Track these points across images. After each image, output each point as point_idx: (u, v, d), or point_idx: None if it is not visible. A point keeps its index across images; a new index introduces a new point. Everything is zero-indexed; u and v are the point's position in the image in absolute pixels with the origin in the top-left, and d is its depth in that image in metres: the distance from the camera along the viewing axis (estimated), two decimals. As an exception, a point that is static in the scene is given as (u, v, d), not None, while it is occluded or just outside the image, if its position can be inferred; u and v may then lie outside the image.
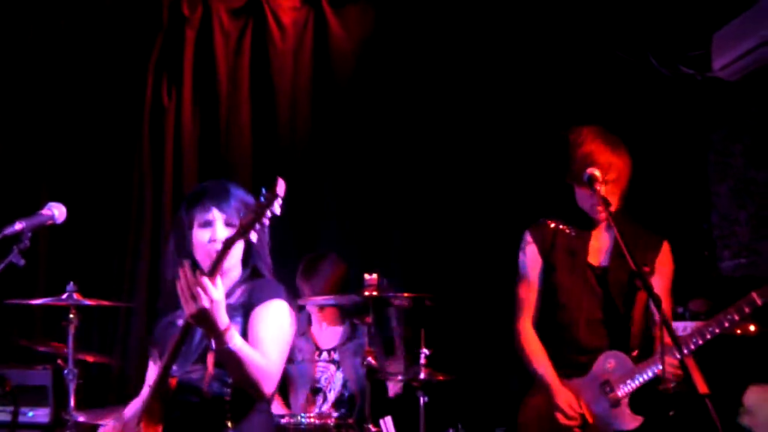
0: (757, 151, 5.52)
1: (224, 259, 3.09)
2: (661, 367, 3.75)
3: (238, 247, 3.42)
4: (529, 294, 4.38)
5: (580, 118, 5.79)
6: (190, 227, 3.48)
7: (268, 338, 3.32)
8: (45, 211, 3.46)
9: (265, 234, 3.57)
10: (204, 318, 3.03)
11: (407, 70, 6.36)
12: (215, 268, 3.05)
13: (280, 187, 3.03)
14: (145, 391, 3.60)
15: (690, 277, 5.32)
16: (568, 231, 4.30)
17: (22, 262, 3.30)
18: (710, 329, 3.81)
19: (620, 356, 4.05)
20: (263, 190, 3.03)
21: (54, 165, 6.69)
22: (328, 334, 5.53)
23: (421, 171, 6.25)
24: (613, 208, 4.03)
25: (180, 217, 3.54)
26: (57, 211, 3.47)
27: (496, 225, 5.91)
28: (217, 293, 3.02)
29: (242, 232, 3.05)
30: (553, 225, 4.36)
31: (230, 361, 3.15)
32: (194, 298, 3.00)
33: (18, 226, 3.31)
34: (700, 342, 3.80)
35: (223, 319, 3.07)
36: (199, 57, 6.68)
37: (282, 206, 3.08)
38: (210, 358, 3.19)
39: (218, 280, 3.04)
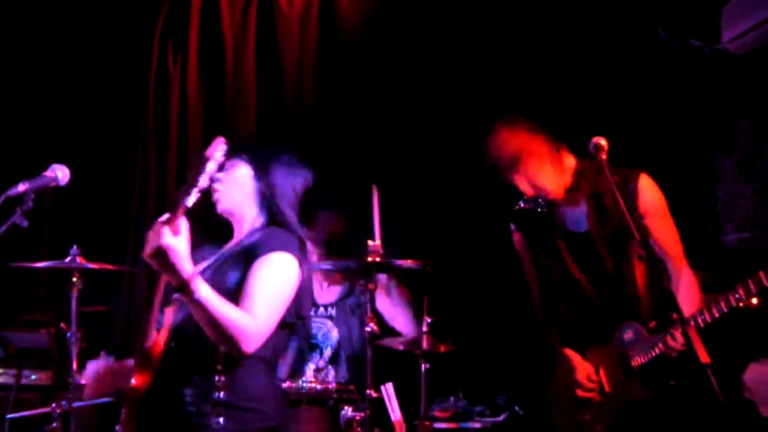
0: (764, 125, 5.50)
1: (180, 206, 2.98)
2: (668, 340, 3.77)
3: (243, 192, 3.42)
4: (531, 277, 4.40)
5: (587, 90, 5.83)
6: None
7: (258, 293, 3.22)
8: (48, 173, 3.45)
9: (286, 182, 3.50)
10: (161, 262, 2.96)
11: (416, 37, 6.33)
12: (174, 212, 2.96)
13: (215, 147, 3.02)
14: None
15: (693, 249, 5.33)
16: (540, 209, 4.28)
17: (26, 223, 3.29)
18: (717, 307, 3.78)
19: (638, 327, 4.04)
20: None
21: (60, 129, 6.70)
22: (327, 290, 5.53)
23: (425, 138, 6.23)
24: (550, 191, 4.06)
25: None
26: (60, 173, 3.46)
27: (500, 191, 5.89)
28: (171, 238, 2.93)
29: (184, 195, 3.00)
30: (526, 206, 4.35)
31: (197, 314, 3.07)
32: (150, 239, 2.96)
33: (21, 187, 3.31)
34: (708, 319, 3.77)
35: (184, 266, 2.98)
36: (205, 23, 6.67)
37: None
38: None
39: (182, 224, 2.97)
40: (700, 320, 3.71)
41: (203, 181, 2.98)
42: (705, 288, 5.04)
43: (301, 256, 3.38)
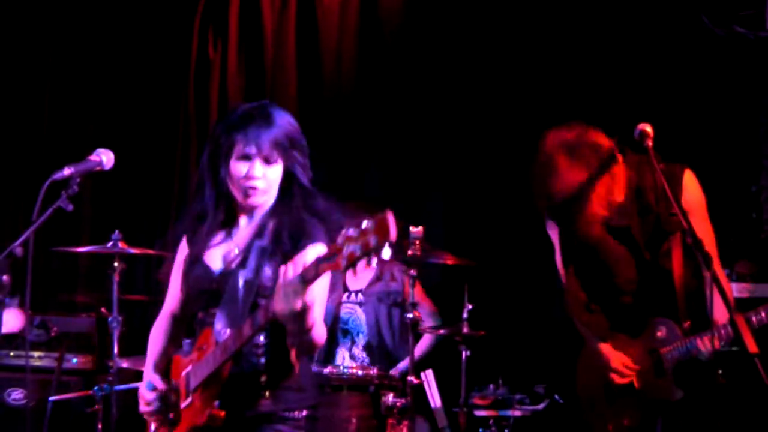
0: (809, 113, 5.45)
1: (315, 279, 2.79)
2: (708, 344, 3.74)
3: (276, 182, 3.25)
4: (562, 267, 4.36)
5: (632, 78, 5.78)
6: (228, 155, 3.22)
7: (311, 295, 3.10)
8: (93, 157, 3.44)
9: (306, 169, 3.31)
10: (294, 318, 2.86)
11: (456, 24, 6.30)
12: (311, 279, 2.79)
13: (392, 223, 2.57)
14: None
15: (737, 239, 5.28)
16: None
17: (71, 207, 3.29)
18: None
19: (671, 325, 3.99)
20: (364, 223, 2.62)
21: (101, 115, 6.75)
22: (359, 276, 5.52)
23: (465, 129, 6.20)
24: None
25: (217, 139, 3.26)
26: (105, 158, 3.45)
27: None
28: (311, 296, 2.83)
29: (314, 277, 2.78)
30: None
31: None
32: (288, 297, 2.81)
33: (67, 171, 3.30)
34: (766, 320, 3.71)
35: (311, 317, 2.91)
36: (245, 9, 6.68)
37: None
38: (247, 324, 2.99)
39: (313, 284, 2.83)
40: (755, 320, 3.67)
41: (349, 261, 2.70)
42: (749, 278, 5.01)
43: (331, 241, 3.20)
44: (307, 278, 2.78)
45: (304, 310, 2.84)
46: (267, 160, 3.20)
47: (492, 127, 6.14)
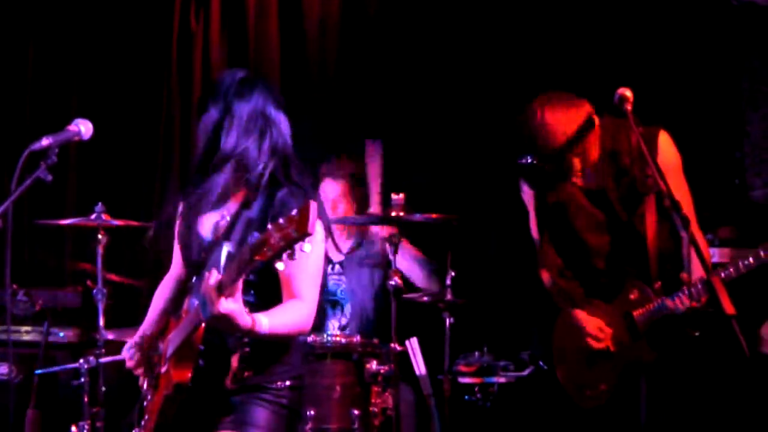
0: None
1: (238, 278, 2.81)
2: (675, 302, 3.76)
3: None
4: (536, 232, 4.37)
5: (611, 42, 5.77)
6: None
7: (304, 274, 3.15)
8: (71, 127, 3.43)
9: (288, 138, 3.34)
10: (223, 325, 2.90)
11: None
12: (231, 282, 2.80)
13: (312, 215, 2.56)
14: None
15: (720, 204, 5.29)
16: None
17: (50, 177, 3.28)
18: (745, 263, 3.72)
19: (643, 287, 4.01)
20: (286, 215, 2.63)
21: (83, 86, 6.71)
22: (340, 245, 5.51)
23: (449, 96, 6.19)
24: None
25: (201, 111, 3.34)
26: (83, 128, 3.44)
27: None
28: (228, 305, 2.83)
29: (245, 267, 2.75)
30: (533, 160, 4.23)
31: (266, 340, 3.08)
32: (206, 303, 2.84)
33: (45, 141, 3.29)
34: (734, 275, 3.72)
35: (244, 321, 2.90)
36: (228, -21, 6.64)
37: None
38: None
39: (238, 288, 2.84)
40: (724, 275, 3.67)
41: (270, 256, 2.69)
42: (732, 243, 5.03)
43: (321, 213, 3.21)
44: (224, 285, 2.80)
45: (224, 319, 2.85)
46: (243, 129, 3.23)
47: (474, 92, 6.13)
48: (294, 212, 2.57)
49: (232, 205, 3.31)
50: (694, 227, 3.75)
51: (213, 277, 2.83)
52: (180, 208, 3.49)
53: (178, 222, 3.49)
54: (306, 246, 2.60)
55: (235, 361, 3.15)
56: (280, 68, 6.56)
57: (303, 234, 2.55)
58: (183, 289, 3.47)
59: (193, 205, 3.40)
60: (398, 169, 6.18)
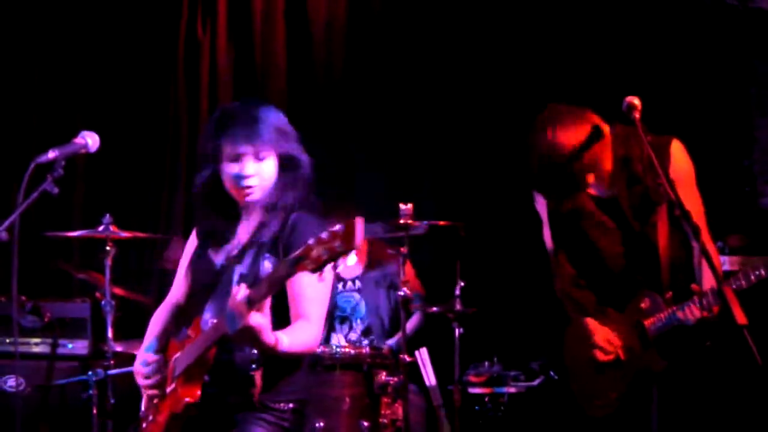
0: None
1: (269, 294, 2.83)
2: (685, 312, 3.74)
3: (270, 175, 3.27)
4: (550, 242, 4.36)
5: (620, 50, 5.76)
6: (217, 159, 3.26)
7: (311, 294, 3.14)
8: (78, 140, 3.41)
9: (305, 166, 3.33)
10: (249, 338, 2.91)
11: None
12: (261, 298, 2.82)
13: (359, 230, 2.59)
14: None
15: (730, 212, 5.27)
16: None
17: (56, 190, 3.27)
18: (756, 273, 3.69)
19: (655, 297, 3.99)
20: (335, 227, 2.63)
21: (91, 97, 6.72)
22: (350, 265, 5.52)
23: (457, 102, 6.19)
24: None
25: (205, 146, 3.31)
26: (90, 140, 3.43)
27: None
28: (258, 319, 2.85)
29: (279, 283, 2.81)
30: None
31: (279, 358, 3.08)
32: (235, 317, 2.85)
33: (51, 154, 3.28)
34: (745, 285, 3.69)
35: (267, 337, 2.91)
36: (233, -13, 6.66)
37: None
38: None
39: (266, 305, 2.87)
40: (735, 285, 3.64)
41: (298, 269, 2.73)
42: (742, 251, 5.00)
43: None
44: (253, 300, 2.81)
45: (251, 333, 2.85)
46: (258, 156, 3.23)
47: (483, 101, 6.13)
48: (338, 227, 2.59)
49: (242, 232, 3.32)
50: (706, 237, 3.72)
51: (242, 291, 2.84)
52: (192, 234, 3.51)
53: (187, 248, 3.51)
54: (350, 259, 2.64)
55: (258, 378, 3.14)
56: (286, 77, 6.56)
57: (349, 248, 2.58)
58: (182, 314, 3.49)
59: (205, 233, 3.43)
60: (406, 175, 6.18)
